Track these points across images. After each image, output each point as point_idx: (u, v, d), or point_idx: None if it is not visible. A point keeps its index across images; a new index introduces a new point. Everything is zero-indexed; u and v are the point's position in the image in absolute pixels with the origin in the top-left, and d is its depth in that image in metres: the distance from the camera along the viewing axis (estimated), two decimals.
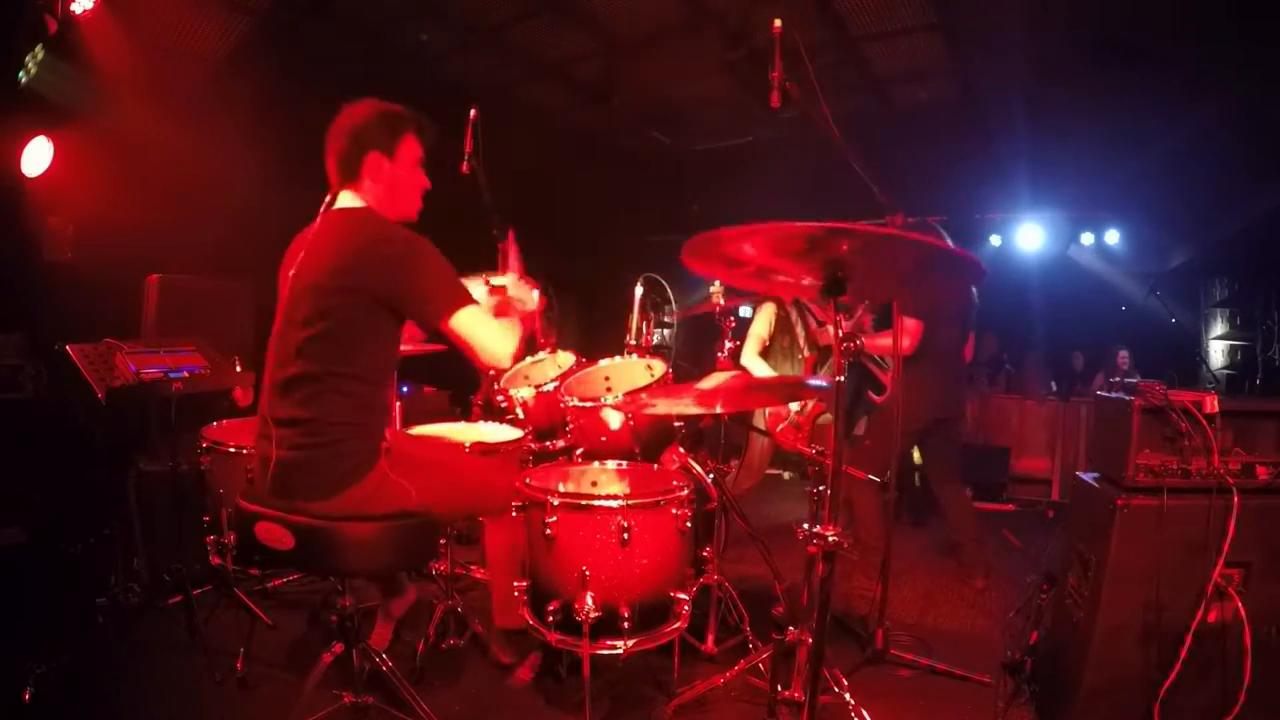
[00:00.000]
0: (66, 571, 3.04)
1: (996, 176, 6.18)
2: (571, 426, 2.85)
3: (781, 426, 3.68)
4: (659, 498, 2.18)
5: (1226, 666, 2.06)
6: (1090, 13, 4.34)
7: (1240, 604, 2.04)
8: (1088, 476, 2.32)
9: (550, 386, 2.96)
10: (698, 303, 3.42)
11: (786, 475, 6.03)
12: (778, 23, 2.18)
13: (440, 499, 2.06)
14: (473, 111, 3.19)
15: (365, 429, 1.94)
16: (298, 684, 2.12)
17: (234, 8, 4.07)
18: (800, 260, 1.63)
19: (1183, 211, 6.27)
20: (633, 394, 2.67)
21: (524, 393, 3.02)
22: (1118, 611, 2.10)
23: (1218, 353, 7.21)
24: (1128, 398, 2.12)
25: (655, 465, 2.65)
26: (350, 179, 2.04)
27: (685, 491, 2.25)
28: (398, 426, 2.97)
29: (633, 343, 3.04)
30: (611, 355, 3.10)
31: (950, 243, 3.64)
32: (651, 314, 3.16)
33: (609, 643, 2.11)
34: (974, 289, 3.65)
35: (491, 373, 3.28)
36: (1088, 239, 7.25)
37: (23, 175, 3.40)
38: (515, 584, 2.30)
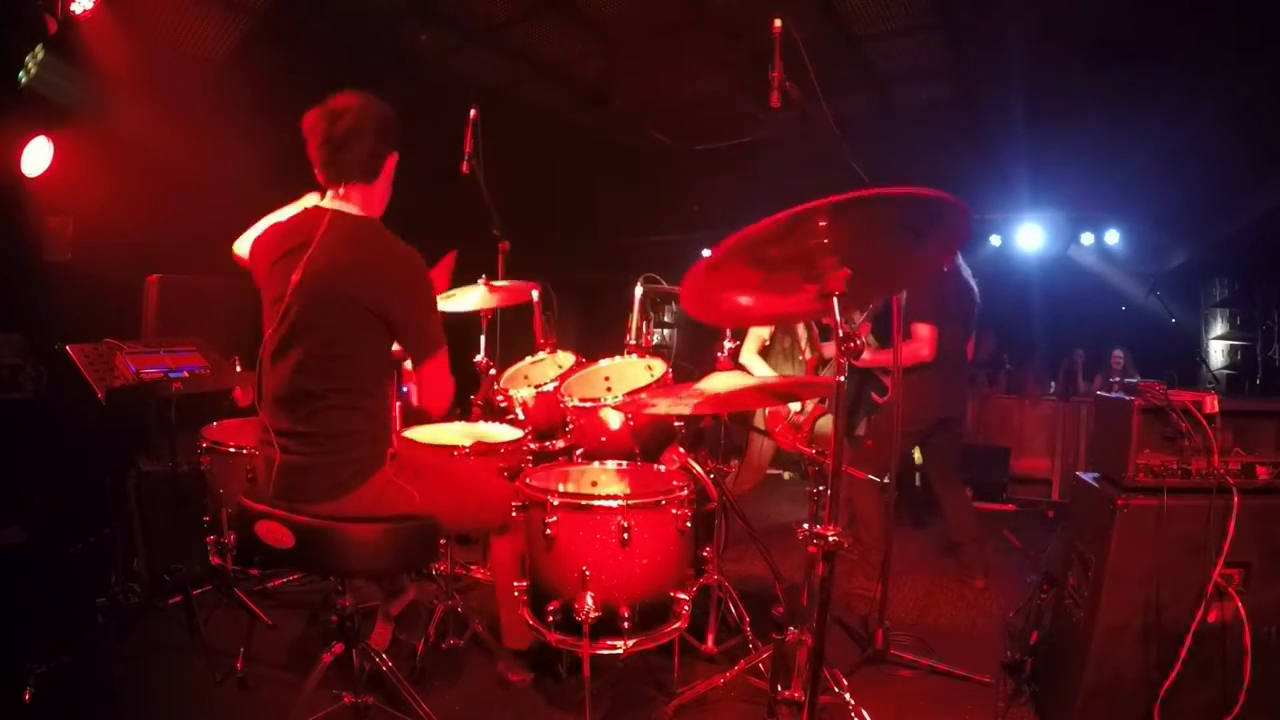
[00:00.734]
0: (66, 571, 3.04)
1: (996, 176, 6.18)
2: (571, 426, 2.85)
3: (780, 427, 3.68)
4: (659, 498, 2.18)
5: (1226, 666, 2.06)
6: (1090, 12, 4.35)
7: (1240, 604, 2.04)
8: (1088, 476, 2.32)
9: (550, 386, 2.96)
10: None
11: (786, 475, 6.03)
12: (778, 23, 2.18)
13: (444, 507, 2.07)
14: (473, 111, 3.20)
15: (368, 435, 1.95)
16: (298, 684, 2.12)
17: (234, 8, 4.07)
18: (792, 270, 1.63)
19: (1183, 211, 6.27)
20: (633, 394, 2.67)
21: (524, 393, 3.02)
22: (1117, 611, 2.10)
23: (1218, 353, 7.20)
24: (1128, 398, 2.12)
25: (656, 465, 2.65)
26: (369, 179, 1.99)
27: (685, 491, 2.25)
28: (398, 427, 2.97)
29: (633, 343, 3.03)
30: (611, 355, 3.10)
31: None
32: (651, 314, 3.15)
33: (609, 643, 2.11)
34: (975, 287, 3.65)
35: (492, 372, 3.29)
36: (1088, 239, 7.25)
37: (23, 175, 3.40)
38: (515, 584, 2.30)
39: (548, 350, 3.34)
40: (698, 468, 2.69)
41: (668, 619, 2.22)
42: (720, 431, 3.22)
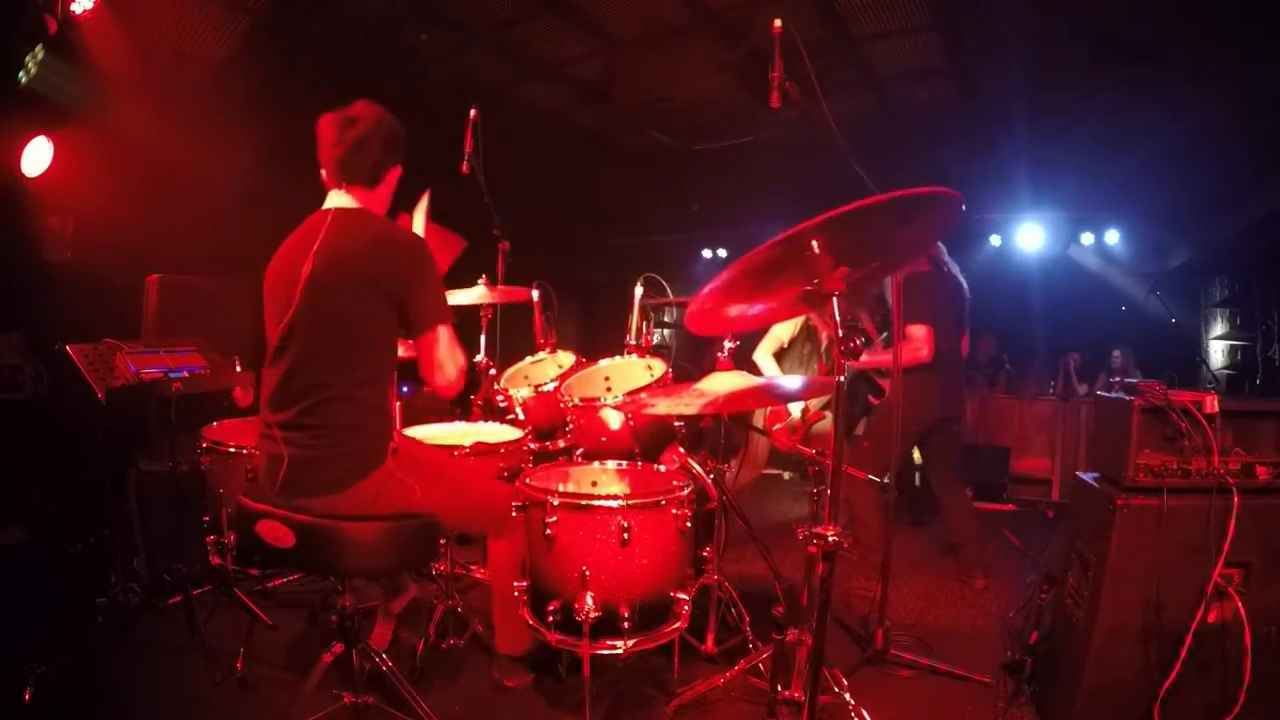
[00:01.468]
0: (66, 571, 3.04)
1: (996, 176, 6.18)
2: (571, 426, 2.85)
3: (779, 427, 3.68)
4: (659, 498, 2.18)
5: (1226, 666, 2.06)
6: (1090, 12, 4.34)
7: (1240, 604, 2.03)
8: (1088, 476, 2.32)
9: (550, 386, 2.96)
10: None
11: (786, 475, 6.04)
12: (778, 23, 2.18)
13: (444, 504, 2.09)
14: (473, 111, 3.19)
15: (371, 430, 1.96)
16: (298, 684, 2.12)
17: (234, 8, 4.07)
18: (792, 274, 1.64)
19: (1183, 211, 6.27)
20: (633, 394, 2.67)
21: (524, 393, 3.02)
22: (1118, 611, 2.10)
23: (1218, 353, 7.20)
24: (1128, 398, 2.12)
25: (656, 465, 2.65)
26: (371, 184, 2.07)
27: (685, 491, 2.25)
28: (398, 427, 2.97)
29: (633, 343, 3.03)
30: (611, 355, 3.10)
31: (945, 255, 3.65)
32: (651, 314, 3.15)
33: (609, 643, 2.11)
34: (964, 284, 3.65)
35: (492, 372, 3.29)
36: (1088, 239, 7.25)
37: (23, 175, 3.41)
38: (515, 584, 2.30)
39: (548, 350, 3.34)
40: (698, 468, 2.69)
41: (668, 619, 2.22)
42: (720, 431, 3.22)
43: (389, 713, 2.18)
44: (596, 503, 2.16)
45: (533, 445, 2.90)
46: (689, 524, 2.24)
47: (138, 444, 3.19)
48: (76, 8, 3.25)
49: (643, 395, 2.56)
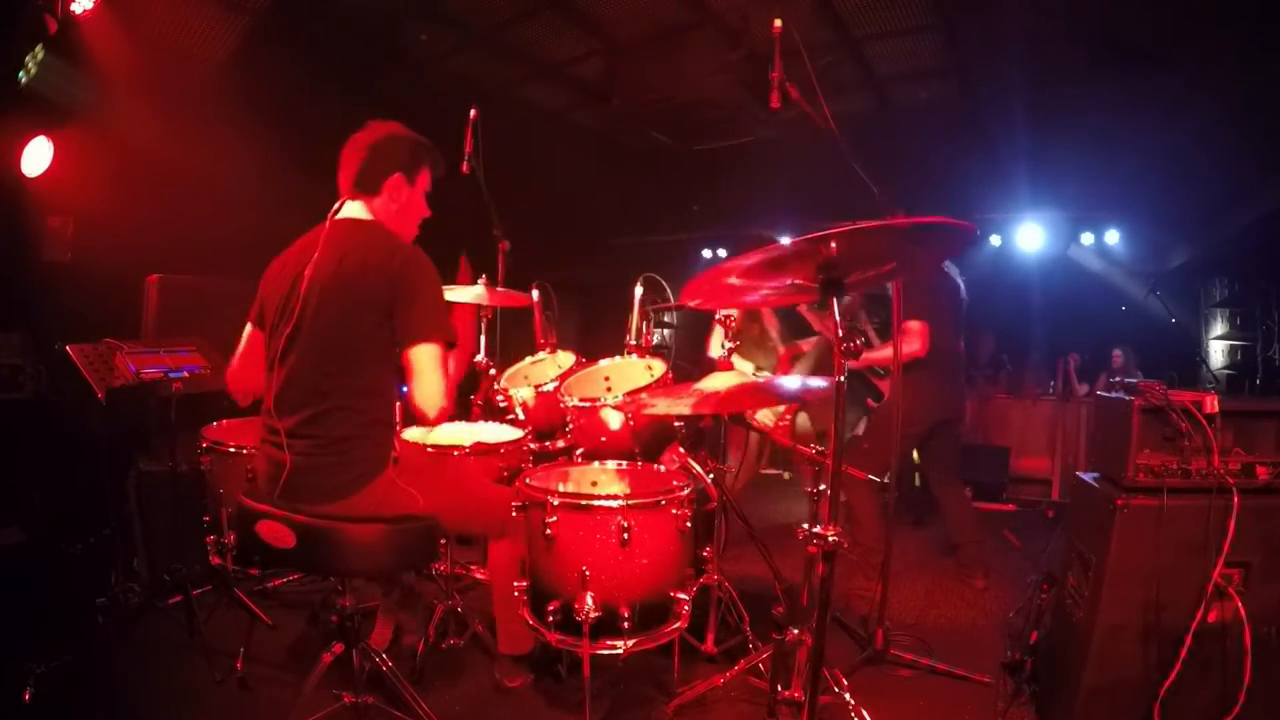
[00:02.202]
0: (66, 571, 3.04)
1: (996, 176, 6.18)
2: (571, 426, 2.85)
3: (761, 413, 3.68)
4: (659, 498, 2.18)
5: (1226, 666, 2.06)
6: (1090, 12, 4.34)
7: (1240, 604, 2.03)
8: (1088, 476, 2.32)
9: (550, 386, 2.96)
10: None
11: (786, 475, 6.03)
12: (778, 23, 2.18)
13: (445, 508, 2.10)
14: (473, 111, 3.19)
15: (373, 440, 1.98)
16: (298, 684, 2.12)
17: (234, 8, 4.07)
18: (791, 268, 1.64)
19: (1183, 211, 6.26)
20: (633, 394, 2.66)
21: (524, 393, 3.02)
22: (1118, 611, 2.09)
23: (1218, 353, 7.20)
24: (1128, 398, 2.12)
25: (656, 465, 2.65)
26: (370, 192, 2.10)
27: (685, 491, 2.24)
28: (398, 427, 2.97)
29: (633, 343, 3.03)
30: (611, 355, 3.10)
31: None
32: (651, 314, 3.15)
33: (609, 643, 2.10)
34: (961, 284, 3.65)
35: (492, 372, 3.28)
36: (1088, 239, 7.25)
37: (23, 175, 3.40)
38: (515, 584, 2.30)
39: (548, 350, 3.33)
40: (698, 468, 2.69)
41: (668, 619, 2.22)
42: (720, 431, 3.22)
43: (389, 713, 2.18)
44: (596, 503, 2.15)
45: (533, 445, 2.89)
46: (689, 524, 2.24)
47: (138, 444, 3.19)
48: (76, 8, 3.25)
49: (643, 395, 2.56)
